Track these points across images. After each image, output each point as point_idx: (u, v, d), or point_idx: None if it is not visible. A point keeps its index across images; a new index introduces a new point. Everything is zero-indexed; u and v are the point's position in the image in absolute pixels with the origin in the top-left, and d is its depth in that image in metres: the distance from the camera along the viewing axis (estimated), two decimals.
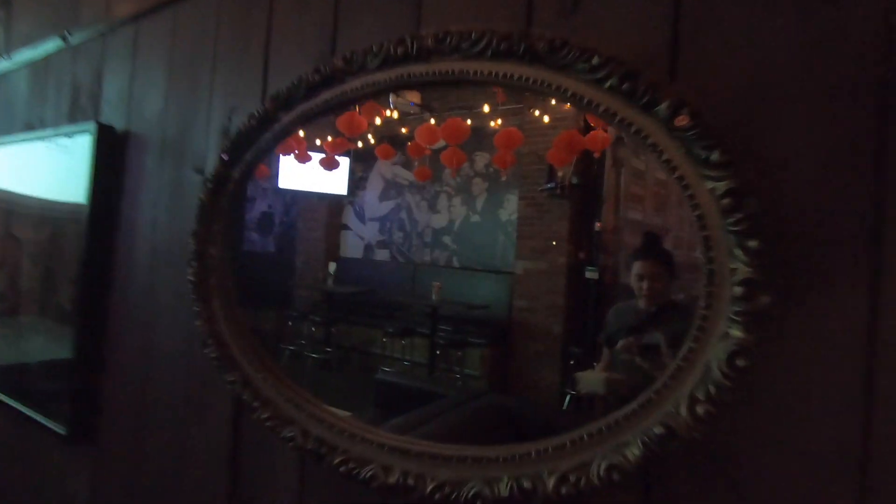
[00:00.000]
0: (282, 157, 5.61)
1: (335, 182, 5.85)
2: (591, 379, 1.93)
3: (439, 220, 5.56)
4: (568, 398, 4.19)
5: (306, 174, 5.76)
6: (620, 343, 1.74)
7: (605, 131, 3.56)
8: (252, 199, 7.12)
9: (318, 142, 5.15)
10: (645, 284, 1.77)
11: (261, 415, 0.76)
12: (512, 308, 4.86)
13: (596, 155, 3.81)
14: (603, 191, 4.76)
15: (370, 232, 6.09)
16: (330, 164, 4.56)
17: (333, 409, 0.69)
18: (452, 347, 4.60)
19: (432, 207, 5.62)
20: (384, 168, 5.94)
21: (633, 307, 1.87)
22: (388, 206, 5.96)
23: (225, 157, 0.73)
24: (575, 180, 4.13)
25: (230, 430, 1.01)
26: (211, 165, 0.88)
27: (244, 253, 7.07)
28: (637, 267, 1.84)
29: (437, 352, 4.56)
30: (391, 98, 3.74)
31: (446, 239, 5.50)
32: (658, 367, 1.59)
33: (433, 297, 4.45)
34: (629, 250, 4.67)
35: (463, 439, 2.27)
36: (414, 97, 3.69)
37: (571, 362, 4.60)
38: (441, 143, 4.61)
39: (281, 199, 6.84)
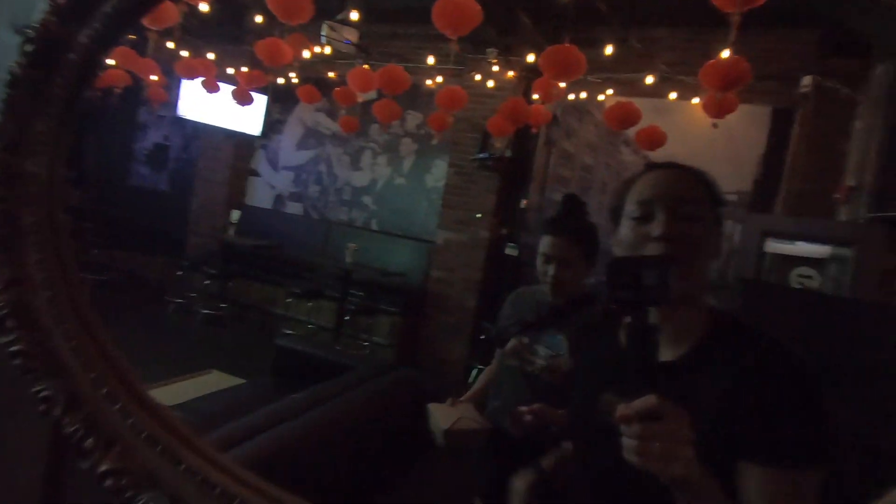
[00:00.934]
0: (184, 82, 4.86)
1: (248, 121, 5.21)
2: (435, 421, 1.37)
3: (361, 178, 5.20)
4: (474, 372, 4.19)
5: (214, 107, 5.06)
6: (509, 344, 1.36)
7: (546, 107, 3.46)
8: (144, 127, 6.18)
9: (230, 71, 4.50)
10: (551, 269, 1.32)
11: (103, 466, 0.40)
12: (428, 278, 4.72)
13: (534, 130, 3.71)
14: (533, 169, 4.73)
15: (283, 181, 5.55)
16: (243, 99, 3.99)
17: (221, 458, 0.41)
18: (362, 314, 4.37)
19: (355, 164, 5.23)
20: (305, 113, 5.40)
21: (535, 296, 1.45)
22: (305, 155, 5.45)
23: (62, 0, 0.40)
24: (509, 153, 4.02)
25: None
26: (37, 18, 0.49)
27: (129, 188, 6.16)
28: (544, 244, 1.34)
29: (346, 317, 4.31)
30: (323, 31, 3.30)
31: (366, 199, 5.17)
32: (552, 383, 1.25)
33: (347, 259, 4.15)
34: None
35: (370, 417, 2.06)
36: (350, 34, 3.28)
37: (482, 337, 4.60)
38: (372, 94, 4.23)
39: (180, 130, 5.99)
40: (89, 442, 0.37)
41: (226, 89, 4.29)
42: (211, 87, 4.07)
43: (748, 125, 3.90)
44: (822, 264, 3.34)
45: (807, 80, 3.40)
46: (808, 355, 0.69)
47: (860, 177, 3.16)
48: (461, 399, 1.48)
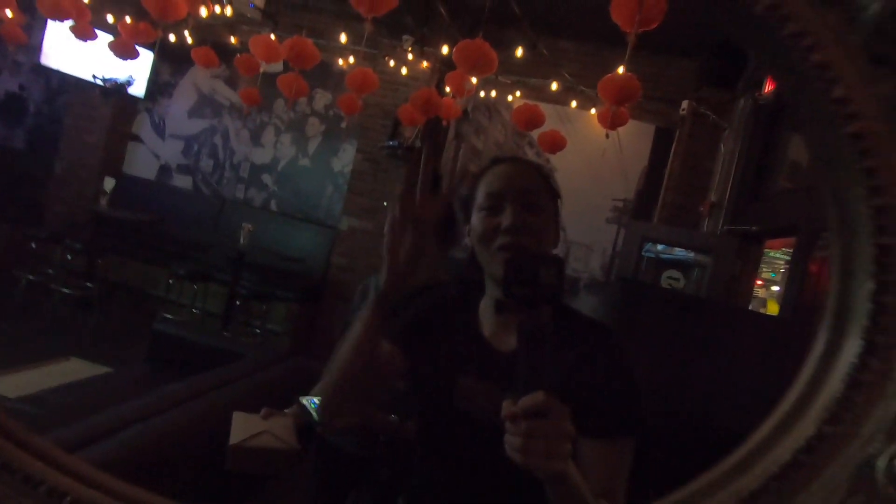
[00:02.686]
0: (50, 23, 4.18)
1: (129, 78, 4.63)
2: (237, 430, 1.11)
3: (262, 156, 4.88)
4: None
5: (87, 58, 4.42)
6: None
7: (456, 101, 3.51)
8: None
9: (110, 18, 3.96)
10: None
11: None
12: (330, 265, 4.57)
13: (444, 123, 3.75)
14: (441, 161, 4.79)
15: (170, 151, 5.02)
16: (124, 52, 3.52)
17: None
18: (256, 299, 4.11)
19: (255, 139, 4.89)
20: (200, 78, 4.93)
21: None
22: (199, 124, 4.98)
23: None
24: (419, 144, 4.02)
25: None
26: None
27: None
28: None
29: (238, 302, 4.03)
30: None
31: (267, 178, 4.87)
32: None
33: (241, 240, 3.87)
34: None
35: (263, 406, 1.92)
36: None
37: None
38: (278, 66, 3.98)
39: (42, 80, 5.15)
40: None
41: (104, 39, 3.77)
42: (83, 34, 3.54)
43: (635, 140, 4.29)
44: (687, 268, 3.79)
45: (685, 105, 3.82)
46: (627, 339, 0.82)
47: (721, 194, 3.63)
48: (285, 411, 1.20)
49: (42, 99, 5.20)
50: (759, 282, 3.86)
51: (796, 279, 2.65)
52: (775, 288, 4.53)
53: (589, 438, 0.72)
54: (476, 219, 0.84)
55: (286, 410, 1.24)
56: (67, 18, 3.34)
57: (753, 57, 3.40)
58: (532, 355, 0.61)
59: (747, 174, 3.51)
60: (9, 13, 3.53)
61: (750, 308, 3.50)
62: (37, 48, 4.39)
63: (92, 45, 3.97)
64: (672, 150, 4.14)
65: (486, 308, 0.87)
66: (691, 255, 3.74)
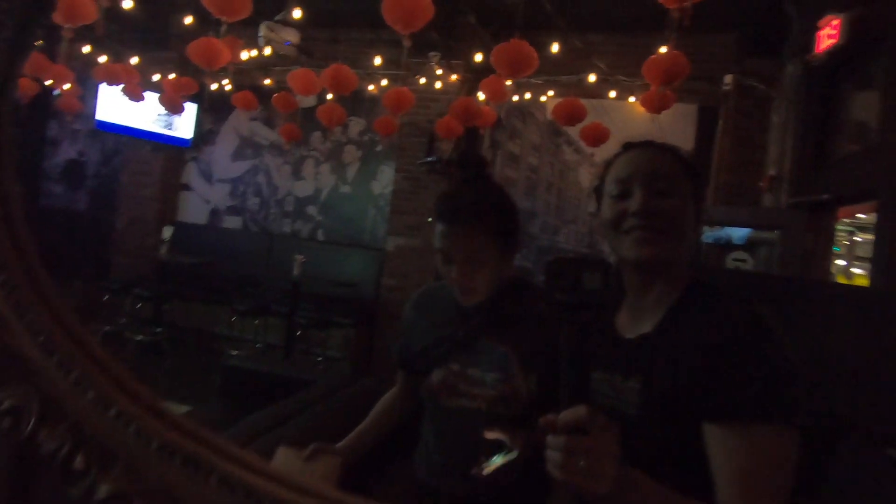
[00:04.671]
0: (102, 91, 4.48)
1: (177, 132, 4.89)
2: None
3: (304, 188, 5.01)
4: None
5: (137, 117, 4.70)
6: (434, 376, 0.99)
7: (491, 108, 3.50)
8: (55, 142, 5.63)
9: (156, 78, 4.21)
10: (453, 272, 0.94)
11: (103, 491, 0.29)
12: (380, 286, 4.61)
13: (481, 132, 3.75)
14: (486, 168, 4.77)
15: (218, 195, 5.24)
16: (172, 107, 3.73)
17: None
18: (314, 328, 4.18)
19: (296, 173, 5.04)
20: (240, 122, 5.14)
21: (452, 295, 1.00)
22: (242, 166, 5.19)
23: None
24: (456, 156, 4.03)
25: None
26: None
27: (40, 209, 5.58)
28: (439, 236, 0.95)
29: (297, 332, 4.11)
30: (261, 32, 3.15)
31: (311, 209, 4.99)
32: (509, 416, 0.88)
33: (295, 271, 3.96)
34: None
35: (338, 433, 1.91)
36: (291, 36, 3.16)
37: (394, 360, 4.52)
38: (312, 101, 4.10)
39: (98, 144, 5.51)
40: (79, 461, 0.27)
41: (151, 98, 4.00)
42: (134, 95, 3.77)
43: (677, 122, 4.14)
44: (753, 248, 3.59)
45: (728, 79, 3.66)
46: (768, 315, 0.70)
47: (780, 167, 3.44)
48: (339, 445, 1.05)
49: (99, 161, 5.56)
50: None
51: (886, 244, 2.45)
52: (840, 262, 4.22)
53: (718, 424, 0.64)
54: (605, 206, 0.81)
55: (339, 444, 1.09)
56: (119, 82, 3.57)
57: (798, 18, 3.24)
58: (576, 364, 0.57)
59: (807, 141, 3.32)
60: (66, 86, 3.80)
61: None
62: (91, 115, 4.70)
63: (140, 105, 4.23)
64: (719, 127, 3.97)
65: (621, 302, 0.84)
66: (756, 233, 3.54)
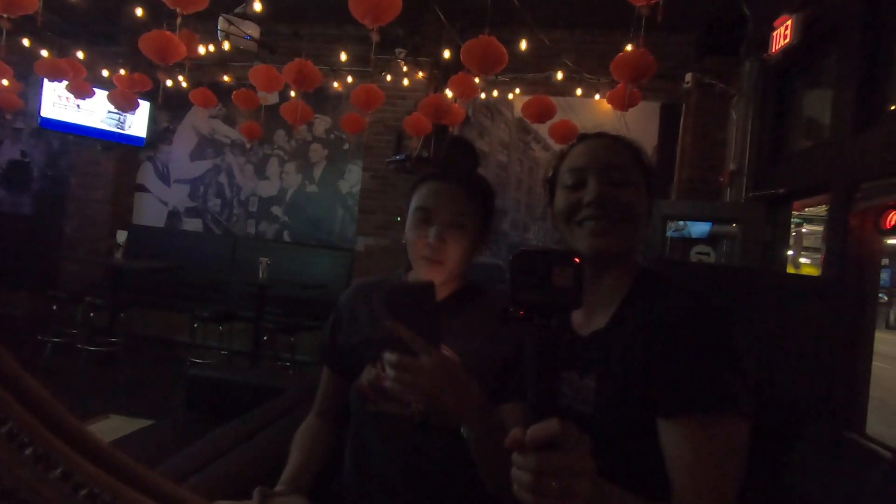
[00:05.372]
0: (46, 88, 4.20)
1: (129, 130, 4.65)
2: None
3: (268, 188, 4.86)
4: None
5: (86, 114, 4.44)
6: (363, 376, 0.88)
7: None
8: None
9: (105, 73, 3.98)
10: (432, 234, 0.85)
11: None
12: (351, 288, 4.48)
13: (451, 129, 3.71)
14: (477, 155, 4.74)
15: (177, 196, 5.02)
16: (124, 104, 3.52)
17: None
18: (282, 332, 4.06)
19: (260, 172, 4.88)
20: (199, 120, 4.94)
21: (397, 285, 0.86)
22: (202, 166, 4.98)
23: None
24: (427, 154, 3.98)
25: None
26: None
27: None
28: (424, 194, 0.89)
29: (264, 337, 3.98)
30: (220, 25, 3.02)
31: (276, 209, 4.84)
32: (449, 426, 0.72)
33: (260, 274, 3.83)
34: None
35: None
36: (252, 30, 3.03)
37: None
38: (274, 98, 3.97)
39: (43, 144, 5.19)
40: None
41: (100, 95, 3.78)
42: (81, 91, 3.54)
43: (642, 120, 4.23)
44: (715, 241, 3.70)
45: (689, 77, 3.76)
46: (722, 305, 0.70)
47: (739, 161, 3.56)
48: (276, 489, 0.88)
49: (45, 162, 5.23)
50: None
51: (837, 236, 2.56)
52: (788, 252, 4.42)
53: (666, 420, 0.63)
54: (559, 196, 0.79)
55: (279, 487, 0.90)
56: (64, 78, 3.34)
57: (753, 18, 3.35)
58: (549, 369, 0.52)
59: (764, 137, 3.44)
60: (4, 82, 3.55)
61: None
62: (35, 113, 4.42)
63: (89, 102, 3.99)
64: (681, 124, 4.08)
65: None
66: (718, 227, 3.66)
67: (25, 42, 3.49)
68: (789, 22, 2.98)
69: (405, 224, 0.92)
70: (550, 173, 0.84)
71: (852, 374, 2.41)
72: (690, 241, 3.78)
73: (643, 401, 0.65)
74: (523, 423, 0.49)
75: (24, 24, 2.27)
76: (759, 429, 0.64)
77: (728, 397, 0.62)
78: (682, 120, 4.08)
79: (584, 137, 0.83)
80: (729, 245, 3.60)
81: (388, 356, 0.65)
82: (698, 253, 3.75)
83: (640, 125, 4.28)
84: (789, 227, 3.56)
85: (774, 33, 3.09)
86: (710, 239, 3.73)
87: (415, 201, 0.91)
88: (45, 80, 3.70)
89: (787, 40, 2.99)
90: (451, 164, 0.97)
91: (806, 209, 3.76)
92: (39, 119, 4.38)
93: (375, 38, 1.84)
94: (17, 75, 3.54)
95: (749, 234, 3.37)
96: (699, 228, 3.76)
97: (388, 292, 0.67)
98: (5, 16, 2.06)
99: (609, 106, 2.77)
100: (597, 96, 3.69)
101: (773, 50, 3.11)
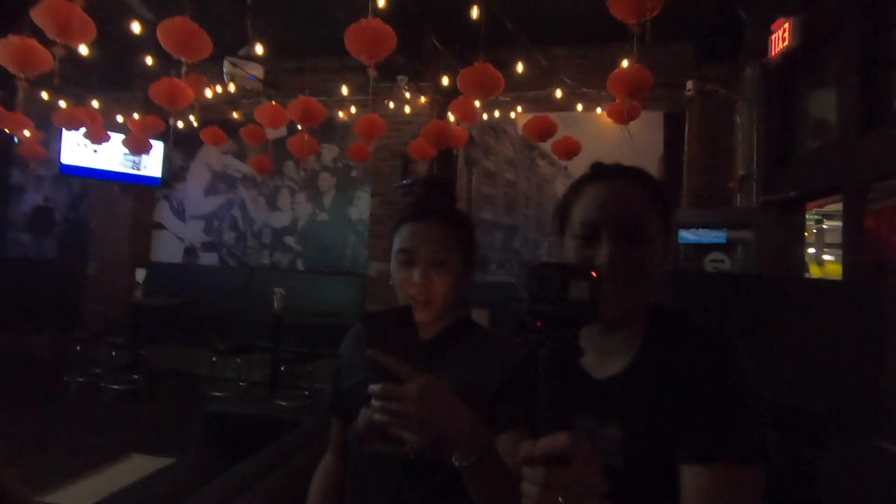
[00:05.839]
0: (66, 136, 4.38)
1: (145, 171, 4.80)
2: None
3: (281, 219, 4.94)
4: None
5: (103, 159, 4.60)
6: (360, 417, 0.83)
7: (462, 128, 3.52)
8: (20, 190, 5.47)
9: (121, 119, 4.13)
10: (416, 274, 0.88)
11: None
12: (365, 313, 4.48)
13: (455, 152, 3.76)
14: (455, 190, 4.78)
15: (193, 232, 5.14)
16: (138, 147, 3.65)
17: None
18: (299, 361, 4.08)
19: (272, 204, 4.97)
20: (211, 157, 5.07)
21: (374, 311, 0.82)
22: (216, 201, 5.10)
23: None
24: (422, 178, 4.03)
25: None
26: None
27: (6, 260, 5.40)
28: (404, 236, 0.92)
29: (282, 367, 4.01)
30: (225, 68, 3.12)
31: (289, 239, 4.92)
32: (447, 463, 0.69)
33: (275, 305, 3.88)
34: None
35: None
36: (255, 70, 3.13)
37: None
38: (282, 131, 4.07)
39: (65, 188, 5.38)
40: None
41: (116, 139, 3.92)
42: (97, 138, 3.69)
43: (646, 130, 4.23)
44: (729, 248, 3.65)
45: (690, 85, 3.76)
46: (733, 336, 0.69)
47: (748, 166, 3.52)
48: None
49: (67, 206, 5.41)
50: None
51: (854, 237, 2.50)
52: (811, 250, 4.32)
53: (686, 465, 0.62)
54: (569, 245, 0.74)
55: None
56: (81, 126, 3.48)
57: (751, 23, 3.35)
58: (560, 384, 0.50)
59: (772, 141, 3.41)
60: (27, 133, 3.70)
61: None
62: (55, 160, 4.59)
63: (105, 147, 4.14)
64: (685, 132, 4.06)
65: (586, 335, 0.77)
66: (731, 233, 3.60)
67: (44, 95, 3.65)
68: (787, 25, 2.97)
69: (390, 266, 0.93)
70: (562, 204, 0.78)
71: (880, 380, 2.33)
72: (704, 249, 3.73)
73: (670, 450, 0.64)
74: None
75: (42, 78, 2.40)
76: (790, 439, 0.62)
77: (751, 447, 0.62)
78: (686, 128, 4.06)
79: (598, 173, 0.77)
80: (743, 251, 3.54)
81: (372, 387, 0.64)
82: (713, 261, 3.69)
83: (645, 135, 4.28)
84: (803, 229, 3.49)
85: (772, 37, 3.08)
86: (725, 246, 3.68)
87: (396, 243, 0.94)
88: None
89: (786, 43, 2.98)
90: (428, 203, 0.97)
91: (826, 206, 3.69)
92: (60, 166, 4.55)
93: (373, 73, 1.89)
94: (38, 125, 3.70)
95: (762, 239, 3.32)
96: (712, 235, 3.71)
97: (364, 319, 0.67)
98: (23, 76, 2.17)
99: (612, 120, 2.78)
100: (598, 110, 3.70)
101: (773, 53, 3.09)
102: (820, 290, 2.68)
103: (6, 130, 3.56)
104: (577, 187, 0.77)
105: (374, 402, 0.65)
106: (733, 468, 0.61)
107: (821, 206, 3.67)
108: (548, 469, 0.47)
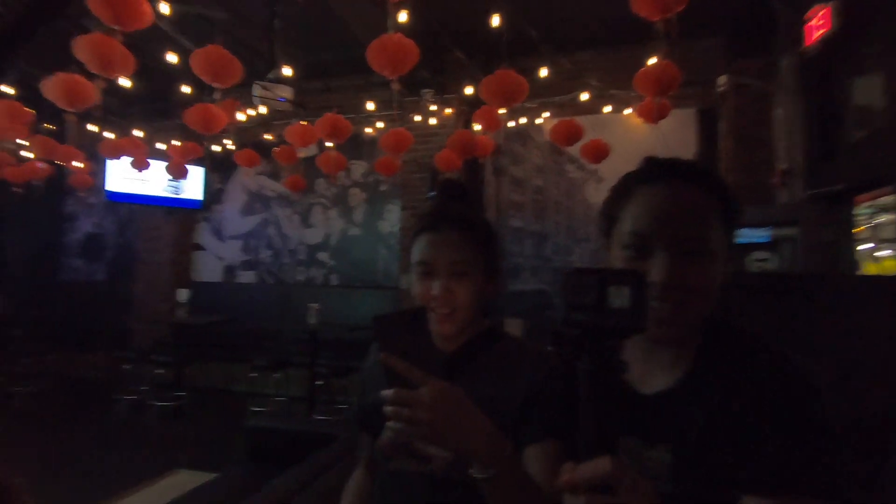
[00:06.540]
0: (110, 164, 4.62)
1: (186, 194, 5.00)
2: None
3: (314, 235, 5.05)
4: None
5: (147, 185, 4.82)
6: (384, 435, 0.76)
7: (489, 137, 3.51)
8: (73, 217, 5.80)
9: (162, 146, 4.33)
10: (436, 287, 0.85)
11: None
12: None
13: (481, 161, 3.76)
14: (484, 198, 4.77)
15: (231, 251, 5.31)
16: (178, 172, 3.82)
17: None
18: (336, 376, 4.13)
19: (305, 221, 5.09)
20: (247, 178, 5.25)
21: (384, 314, 0.82)
22: (252, 221, 5.26)
23: None
24: (439, 184, 4.03)
25: None
26: None
27: (61, 284, 5.71)
28: (421, 247, 0.89)
29: (319, 382, 4.06)
30: (255, 92, 3.24)
31: (323, 255, 5.01)
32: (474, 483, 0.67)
33: (311, 320, 3.95)
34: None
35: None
36: (285, 92, 3.24)
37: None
38: (313, 149, 4.18)
39: (113, 215, 5.66)
40: None
41: (158, 166, 4.11)
42: (140, 165, 3.88)
43: (678, 128, 4.11)
44: (773, 246, 3.48)
45: (722, 80, 3.64)
46: (788, 345, 0.61)
47: (790, 160, 3.37)
48: None
49: (116, 231, 5.69)
50: None
51: None
52: (865, 246, 4.06)
53: (750, 496, 0.56)
54: (617, 254, 0.66)
55: None
56: (126, 156, 3.67)
57: (784, 12, 3.23)
58: (601, 403, 0.45)
59: (814, 132, 3.25)
60: (78, 164, 3.93)
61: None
62: (102, 188, 4.85)
63: (148, 174, 4.34)
64: (720, 129, 3.93)
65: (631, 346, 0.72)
66: (775, 230, 3.44)
67: (92, 127, 3.87)
68: (824, 10, 2.85)
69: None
70: (609, 205, 0.69)
71: None
72: (746, 248, 3.57)
73: (728, 476, 0.58)
74: (551, 464, 0.45)
75: (90, 111, 2.56)
76: (847, 446, 0.57)
77: (826, 480, 0.56)
78: (720, 124, 3.93)
79: (652, 170, 0.66)
80: (790, 248, 3.38)
81: (384, 392, 0.61)
82: (757, 259, 3.53)
83: (677, 134, 4.16)
84: (851, 223, 3.30)
85: (809, 25, 2.96)
86: (769, 243, 3.51)
87: (414, 255, 0.90)
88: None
89: (825, 29, 2.85)
90: (443, 211, 0.92)
91: (880, 199, 3.48)
92: (106, 193, 4.80)
93: (396, 87, 1.91)
94: (88, 156, 3.93)
95: (809, 236, 3.15)
96: (756, 233, 3.55)
97: (375, 322, 0.64)
98: (72, 111, 2.30)
99: (642, 119, 2.72)
100: (627, 111, 3.64)
101: (810, 41, 2.96)
102: (874, 287, 2.51)
103: (60, 163, 3.80)
104: (627, 185, 0.68)
105: (386, 408, 0.61)
106: (804, 502, 0.55)
107: (874, 199, 3.46)
108: (590, 497, 0.44)
